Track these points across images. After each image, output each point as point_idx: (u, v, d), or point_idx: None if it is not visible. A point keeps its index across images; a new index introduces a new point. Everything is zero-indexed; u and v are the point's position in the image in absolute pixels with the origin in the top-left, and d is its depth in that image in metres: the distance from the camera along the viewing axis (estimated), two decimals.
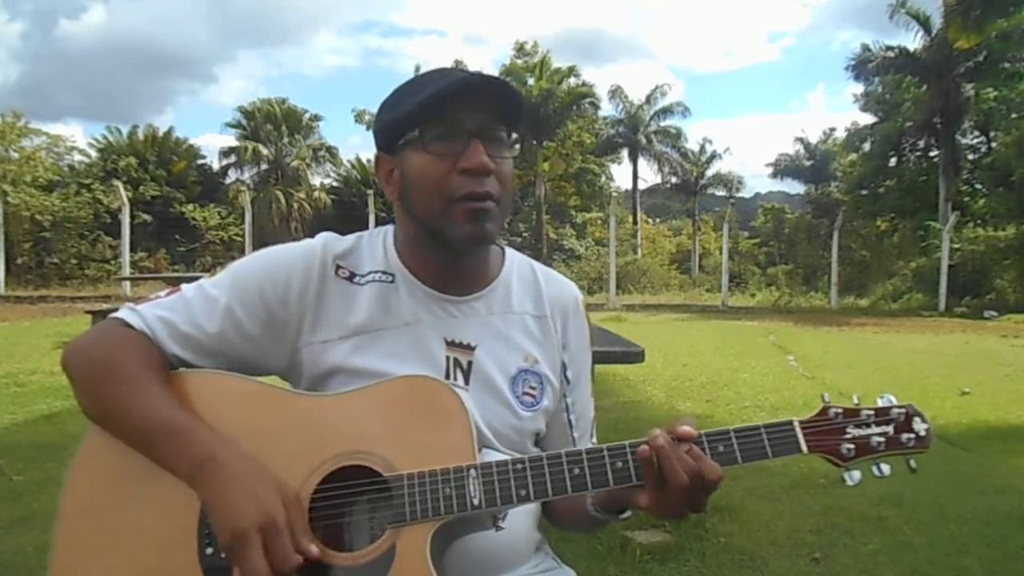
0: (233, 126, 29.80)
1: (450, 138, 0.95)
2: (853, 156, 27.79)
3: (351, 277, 1.03)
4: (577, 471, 0.89)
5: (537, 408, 1.05)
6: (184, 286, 1.03)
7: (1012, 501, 3.32)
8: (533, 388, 1.05)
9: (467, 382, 1.01)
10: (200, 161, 28.82)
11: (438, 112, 0.95)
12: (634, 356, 2.91)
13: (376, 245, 1.06)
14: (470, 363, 1.02)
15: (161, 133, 27.46)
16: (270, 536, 0.83)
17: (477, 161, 0.95)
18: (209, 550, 0.88)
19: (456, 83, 0.95)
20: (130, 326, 0.98)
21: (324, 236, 1.07)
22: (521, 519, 1.03)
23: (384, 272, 1.03)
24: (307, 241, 1.06)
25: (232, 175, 29.44)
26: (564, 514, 1.08)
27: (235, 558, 0.84)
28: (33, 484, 3.33)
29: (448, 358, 1.01)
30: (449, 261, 1.02)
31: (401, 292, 1.02)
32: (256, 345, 1.00)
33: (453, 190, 0.95)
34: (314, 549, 0.85)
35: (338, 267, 1.03)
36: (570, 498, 0.96)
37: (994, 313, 15.10)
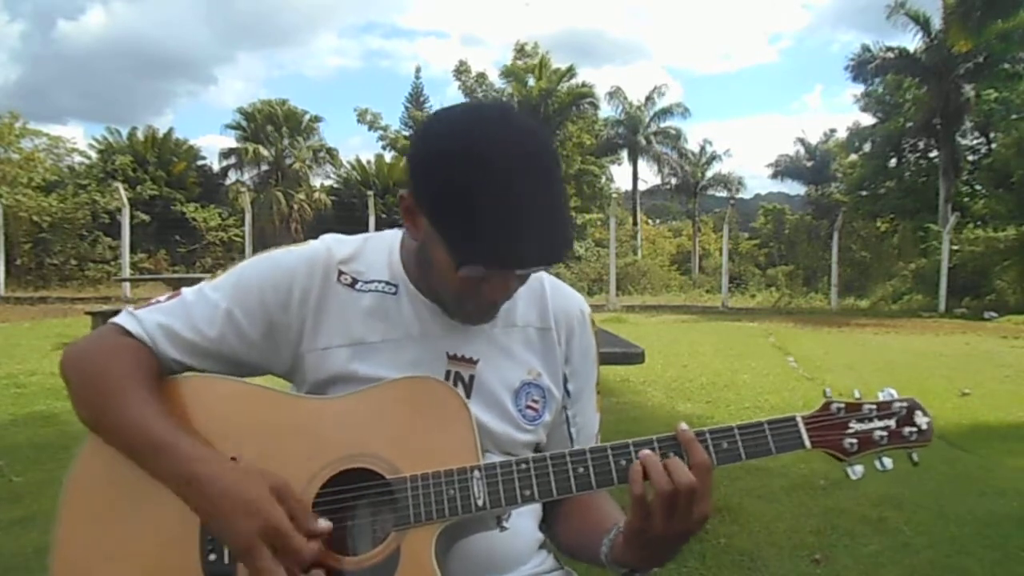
0: (233, 127, 29.80)
1: (486, 272, 0.88)
2: (853, 157, 27.77)
3: (353, 284, 1.00)
4: (581, 470, 0.89)
5: (539, 421, 1.04)
6: (184, 290, 1.01)
7: (1012, 502, 3.32)
8: (536, 401, 1.04)
9: (468, 396, 0.99)
10: (200, 162, 28.81)
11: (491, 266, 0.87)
12: (634, 357, 2.91)
13: (381, 252, 1.04)
14: (472, 377, 1.00)
15: (161, 134, 27.43)
16: (275, 539, 0.82)
17: (505, 294, 0.94)
18: (212, 556, 0.86)
19: (535, 259, 0.86)
20: (128, 332, 0.96)
21: (327, 239, 1.04)
22: (524, 519, 1.03)
23: (388, 283, 1.01)
24: (310, 244, 1.03)
25: (232, 176, 29.50)
26: (572, 546, 1.05)
27: (251, 571, 0.83)
28: (33, 485, 3.33)
29: (449, 372, 1.00)
30: None
31: (403, 304, 1.00)
32: (257, 349, 0.98)
33: (469, 300, 0.93)
34: (323, 523, 0.85)
35: (340, 272, 1.00)
36: (584, 534, 0.97)
37: (994, 314, 15.07)
